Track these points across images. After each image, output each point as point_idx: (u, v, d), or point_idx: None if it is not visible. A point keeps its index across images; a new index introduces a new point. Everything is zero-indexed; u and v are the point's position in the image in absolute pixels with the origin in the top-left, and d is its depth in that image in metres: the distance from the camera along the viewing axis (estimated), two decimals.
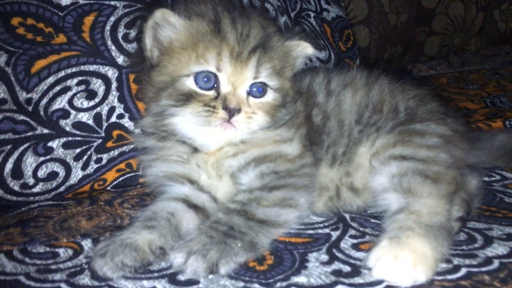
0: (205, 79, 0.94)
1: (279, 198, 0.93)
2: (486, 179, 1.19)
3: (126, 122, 1.15)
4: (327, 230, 0.97)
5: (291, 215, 0.93)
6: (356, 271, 0.82)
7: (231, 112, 0.93)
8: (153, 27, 0.96)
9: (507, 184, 1.17)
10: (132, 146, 1.16)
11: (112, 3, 1.14)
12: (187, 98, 0.94)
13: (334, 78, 1.15)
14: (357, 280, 0.79)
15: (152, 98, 0.98)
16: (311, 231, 0.96)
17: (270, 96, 1.01)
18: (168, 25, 0.95)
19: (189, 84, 0.94)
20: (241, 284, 0.79)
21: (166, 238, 0.88)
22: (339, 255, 0.87)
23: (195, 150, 1.00)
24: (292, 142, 1.01)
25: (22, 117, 1.06)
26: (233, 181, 0.99)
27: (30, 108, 1.06)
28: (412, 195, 0.90)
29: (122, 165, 1.17)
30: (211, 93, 0.95)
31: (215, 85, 0.95)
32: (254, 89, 0.98)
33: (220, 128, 0.94)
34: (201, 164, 1.00)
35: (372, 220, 1.01)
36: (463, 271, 0.80)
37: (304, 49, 1.06)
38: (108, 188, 1.18)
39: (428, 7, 2.71)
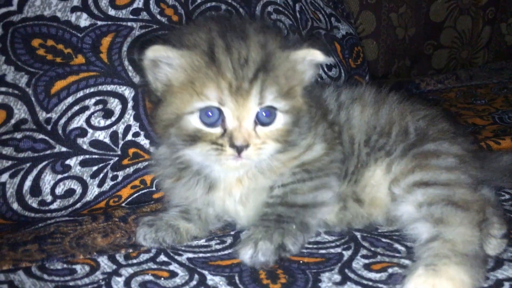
0: (209, 114, 0.90)
1: (312, 186, 1.00)
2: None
3: (142, 140, 1.17)
4: (339, 250, 0.98)
5: (325, 196, 1.01)
6: None
7: (239, 149, 0.90)
8: (149, 65, 0.93)
9: None
10: (146, 163, 1.19)
11: (129, 24, 1.17)
12: (194, 138, 0.91)
13: (343, 91, 1.16)
14: None
15: (162, 131, 0.96)
16: (323, 251, 0.97)
17: (280, 121, 0.95)
18: (163, 64, 0.92)
19: (194, 122, 0.91)
20: None
21: (200, 229, 1.04)
22: (352, 275, 0.88)
23: (211, 186, 1.01)
24: (314, 146, 1.02)
25: (41, 136, 1.09)
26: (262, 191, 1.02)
27: (49, 127, 1.09)
28: (443, 224, 0.89)
29: (136, 182, 1.19)
30: (218, 130, 0.91)
31: (221, 120, 0.92)
32: (262, 115, 0.93)
33: (232, 162, 0.93)
34: (216, 201, 1.03)
35: (383, 240, 1.02)
36: None
37: (314, 58, 0.97)
38: (123, 204, 1.20)
39: (436, 21, 2.74)
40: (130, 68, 1.15)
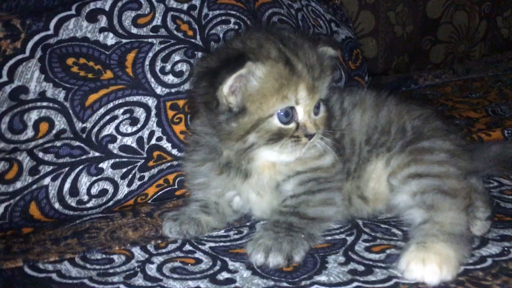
0: (285, 114, 1.04)
1: (322, 199, 1.10)
2: (486, 186, 1.30)
3: (164, 143, 1.29)
4: (343, 236, 1.09)
5: (331, 212, 1.11)
6: (369, 270, 0.94)
7: (311, 137, 1.06)
8: (235, 79, 1.00)
9: (503, 190, 1.27)
10: (169, 164, 1.31)
11: (150, 40, 1.29)
12: (279, 136, 1.04)
13: (346, 98, 1.27)
14: (370, 278, 0.91)
15: (238, 138, 1.05)
16: (329, 237, 1.08)
17: (323, 109, 1.12)
18: (251, 75, 1.00)
19: (276, 123, 1.04)
20: (272, 283, 0.91)
21: (218, 221, 1.16)
22: (354, 256, 0.99)
23: (247, 176, 1.12)
24: (326, 155, 1.14)
25: (77, 143, 1.21)
26: (277, 190, 1.14)
27: (84, 136, 1.21)
28: (434, 210, 1.01)
29: (161, 181, 1.31)
30: (293, 125, 1.05)
31: (292, 116, 1.05)
32: (315, 107, 1.09)
33: (302, 149, 1.07)
34: (244, 191, 1.15)
35: (382, 226, 1.13)
36: (461, 269, 0.91)
37: (330, 53, 1.14)
38: (149, 201, 1.33)
39: (433, 17, 2.83)
40: (152, 80, 1.27)
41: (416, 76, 2.55)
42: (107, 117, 1.23)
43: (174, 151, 1.31)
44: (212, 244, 1.08)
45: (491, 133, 1.63)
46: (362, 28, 2.65)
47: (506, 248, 0.99)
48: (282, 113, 1.04)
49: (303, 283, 0.91)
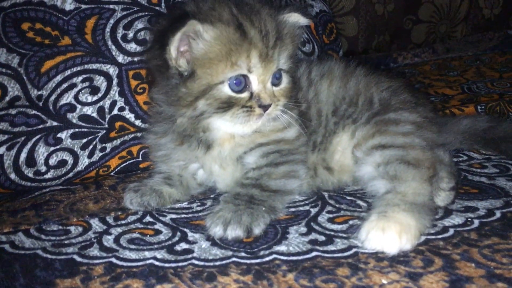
0: (237, 83, 1.01)
1: (285, 171, 1.08)
2: (455, 159, 1.29)
3: (127, 114, 1.26)
4: (307, 207, 1.08)
5: (294, 184, 1.09)
6: (329, 240, 0.92)
7: (266, 108, 1.03)
8: (180, 39, 0.97)
9: (472, 164, 1.27)
10: (132, 136, 1.28)
11: (111, 6, 1.25)
12: (229, 104, 1.02)
13: (314, 68, 1.24)
14: (330, 247, 0.90)
15: (188, 104, 1.03)
16: (293, 209, 1.07)
17: (285, 80, 1.09)
18: (198, 37, 0.98)
19: (226, 91, 1.01)
20: (230, 253, 0.89)
21: (181, 194, 1.15)
22: (316, 227, 0.98)
23: (208, 148, 1.10)
24: (290, 127, 1.12)
25: (34, 112, 1.17)
26: (239, 163, 1.11)
27: (40, 104, 1.17)
28: (398, 180, 1.00)
29: (124, 153, 1.29)
30: (246, 94, 1.02)
31: (246, 86, 1.02)
32: (275, 77, 1.06)
33: (256, 121, 1.05)
34: (207, 163, 1.12)
35: (348, 198, 1.12)
36: (422, 238, 0.90)
37: (297, 20, 1.10)
38: (112, 173, 1.30)
39: None
40: (113, 47, 1.23)
41: (395, 55, 2.53)
42: (65, 85, 1.19)
43: (138, 122, 1.28)
44: (174, 216, 1.07)
45: (464, 109, 1.62)
46: (343, 6, 2.62)
47: (469, 219, 0.98)
48: (234, 81, 1.01)
49: (261, 253, 0.90)
